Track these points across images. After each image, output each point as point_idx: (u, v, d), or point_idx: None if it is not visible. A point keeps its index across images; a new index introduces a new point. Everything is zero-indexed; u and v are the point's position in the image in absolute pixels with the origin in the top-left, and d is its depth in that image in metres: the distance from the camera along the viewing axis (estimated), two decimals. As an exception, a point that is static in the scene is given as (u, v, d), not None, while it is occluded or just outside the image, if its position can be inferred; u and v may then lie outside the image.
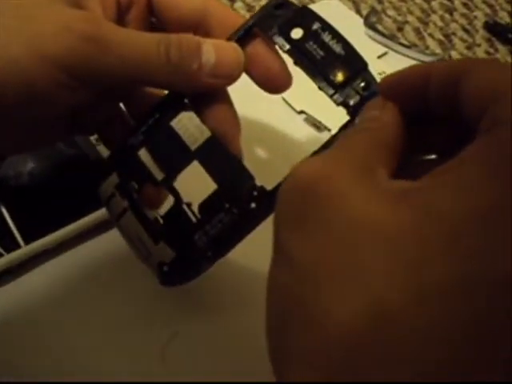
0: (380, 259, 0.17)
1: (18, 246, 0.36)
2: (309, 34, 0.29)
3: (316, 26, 0.29)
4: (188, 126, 0.29)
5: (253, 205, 0.28)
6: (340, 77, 0.28)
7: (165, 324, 0.35)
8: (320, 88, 0.29)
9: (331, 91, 0.28)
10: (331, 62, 0.28)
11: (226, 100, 0.31)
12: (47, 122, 0.30)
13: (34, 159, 0.40)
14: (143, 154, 0.30)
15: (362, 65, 0.28)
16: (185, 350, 0.34)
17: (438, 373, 0.15)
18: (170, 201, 0.30)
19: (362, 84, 0.28)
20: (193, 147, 0.29)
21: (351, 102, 0.28)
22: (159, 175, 0.30)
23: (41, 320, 0.35)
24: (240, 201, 0.28)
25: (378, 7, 0.58)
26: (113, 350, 0.34)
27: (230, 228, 0.28)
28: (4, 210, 0.37)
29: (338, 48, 0.28)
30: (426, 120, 0.23)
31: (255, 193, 0.28)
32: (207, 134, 0.29)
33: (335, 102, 0.28)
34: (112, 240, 0.37)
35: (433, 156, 0.24)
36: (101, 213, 0.37)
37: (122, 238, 0.32)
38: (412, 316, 0.16)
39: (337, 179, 0.19)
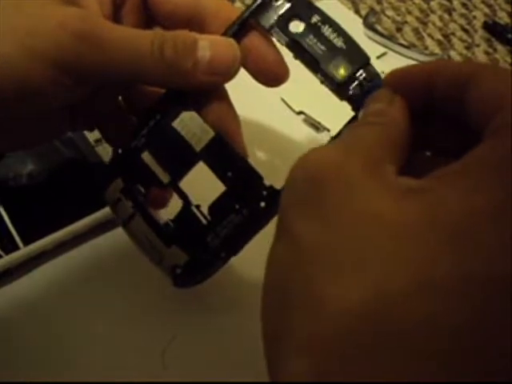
0: (385, 252, 0.17)
1: (16, 248, 0.36)
2: (308, 27, 0.29)
3: (315, 18, 0.29)
4: (190, 126, 0.29)
5: (262, 204, 0.28)
6: (342, 72, 0.28)
7: (163, 328, 0.35)
8: (322, 83, 0.28)
9: (334, 86, 0.28)
10: (333, 56, 0.28)
11: (225, 98, 0.30)
12: (45, 117, 0.30)
13: (33, 160, 0.40)
14: (147, 157, 0.30)
15: (364, 59, 0.28)
16: (184, 353, 0.34)
17: (437, 372, 0.15)
18: (178, 204, 0.30)
19: (365, 78, 0.27)
20: (197, 148, 0.29)
21: (355, 97, 0.27)
22: (165, 178, 0.29)
23: (40, 321, 0.35)
24: (250, 201, 0.28)
25: (377, 7, 0.58)
26: (112, 352, 0.34)
27: (242, 228, 0.28)
28: (3, 212, 0.37)
29: (338, 42, 0.28)
30: (427, 117, 0.23)
31: (264, 192, 0.28)
32: (211, 133, 0.29)
33: (339, 97, 0.28)
34: (111, 241, 0.37)
35: (428, 153, 0.24)
36: (100, 214, 0.37)
37: (132, 242, 0.31)
38: (414, 310, 0.16)
39: (348, 168, 0.19)
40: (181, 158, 0.29)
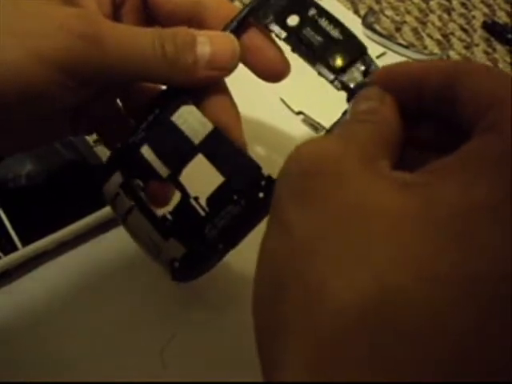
0: (386, 247, 0.17)
1: (15, 248, 0.36)
2: (305, 21, 0.29)
3: (312, 11, 0.29)
4: (189, 120, 0.29)
5: (261, 194, 0.28)
6: (340, 62, 0.28)
7: (162, 327, 0.35)
8: (320, 74, 0.29)
9: (331, 76, 0.28)
10: (330, 47, 0.29)
11: (225, 91, 0.30)
12: (48, 121, 0.30)
13: (32, 161, 0.40)
14: (146, 151, 0.29)
15: (361, 48, 0.28)
16: (183, 351, 0.34)
17: (436, 368, 0.15)
18: (177, 196, 0.30)
19: (363, 67, 0.28)
20: (196, 141, 0.29)
21: (352, 86, 0.28)
22: (164, 171, 0.29)
23: (39, 322, 0.35)
24: (248, 191, 0.28)
25: (376, 7, 0.58)
26: (111, 352, 0.34)
27: (240, 219, 0.28)
28: (1, 212, 0.37)
29: (335, 33, 0.29)
30: (418, 116, 0.23)
31: (263, 182, 0.28)
32: (210, 127, 0.29)
33: (336, 87, 0.28)
34: (110, 242, 0.37)
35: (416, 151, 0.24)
36: (98, 215, 0.37)
37: (130, 236, 0.31)
38: (414, 302, 0.16)
39: (344, 162, 0.19)
40: (179, 151, 0.29)
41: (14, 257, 0.36)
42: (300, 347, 0.17)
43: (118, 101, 0.33)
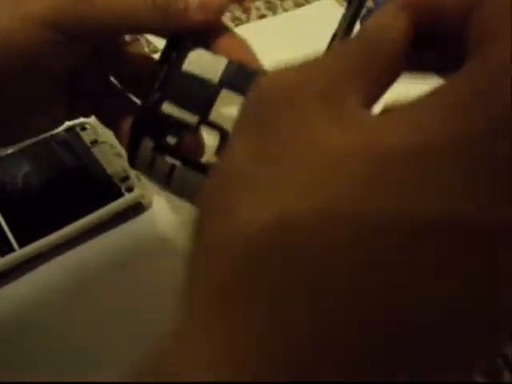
0: (299, 177, 0.16)
1: (12, 250, 0.36)
2: None
3: None
4: (201, 62, 0.29)
5: None
6: None
7: (161, 328, 0.35)
8: None
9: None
10: None
11: (230, 32, 0.30)
12: (45, 97, 0.30)
13: (29, 162, 0.40)
14: (167, 108, 0.29)
15: None
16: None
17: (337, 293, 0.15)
18: (215, 139, 0.29)
19: None
20: (215, 79, 0.28)
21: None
22: (193, 119, 0.29)
23: (35, 322, 0.35)
24: None
25: (374, 8, 0.58)
26: (110, 353, 0.34)
27: None
28: (-2, 214, 0.38)
29: None
30: (419, 39, 0.21)
31: None
32: (224, 61, 0.28)
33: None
34: (106, 243, 0.37)
35: None
36: (95, 216, 0.37)
37: (178, 196, 0.31)
38: (310, 233, 0.15)
39: (299, 88, 0.18)
40: (202, 94, 0.29)
41: (10, 258, 0.36)
42: (213, 270, 0.17)
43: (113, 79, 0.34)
